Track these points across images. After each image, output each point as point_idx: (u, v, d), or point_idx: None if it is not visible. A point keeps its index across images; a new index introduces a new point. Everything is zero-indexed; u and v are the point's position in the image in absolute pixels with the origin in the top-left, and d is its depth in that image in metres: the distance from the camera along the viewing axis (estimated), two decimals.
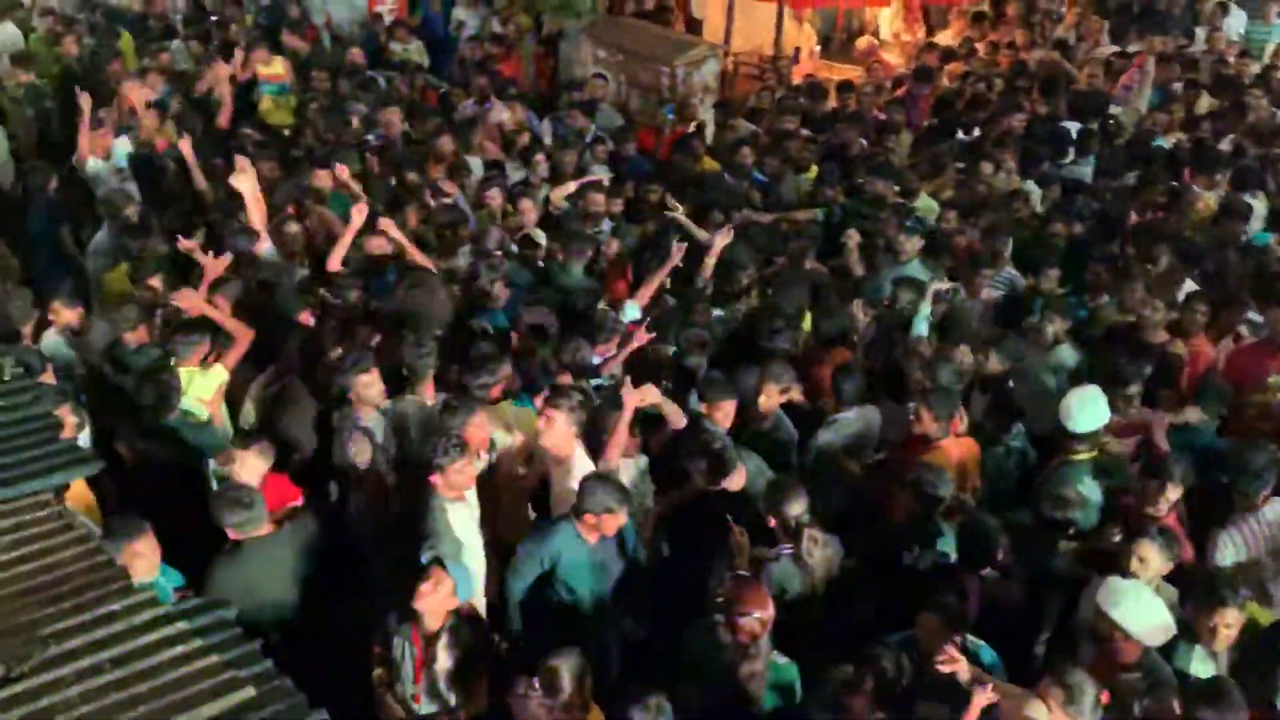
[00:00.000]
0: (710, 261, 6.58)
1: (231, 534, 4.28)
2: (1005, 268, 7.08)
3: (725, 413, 5.16)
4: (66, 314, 5.74)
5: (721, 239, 6.62)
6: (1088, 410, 5.08)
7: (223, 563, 4.26)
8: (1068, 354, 6.10)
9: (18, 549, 2.86)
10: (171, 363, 5.27)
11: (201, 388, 5.31)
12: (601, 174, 8.24)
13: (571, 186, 7.57)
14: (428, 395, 5.26)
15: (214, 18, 11.66)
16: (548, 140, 8.98)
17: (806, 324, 6.31)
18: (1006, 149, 8.64)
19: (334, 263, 6.22)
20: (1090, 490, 4.91)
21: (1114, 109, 9.90)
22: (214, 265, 5.96)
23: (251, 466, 4.58)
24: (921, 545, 4.61)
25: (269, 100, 9.24)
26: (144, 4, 11.52)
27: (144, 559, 3.93)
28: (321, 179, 7.29)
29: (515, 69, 11.26)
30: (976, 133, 9.33)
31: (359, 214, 6.31)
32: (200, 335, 5.32)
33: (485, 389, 5.11)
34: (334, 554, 4.68)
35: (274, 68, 9.42)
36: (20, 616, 2.62)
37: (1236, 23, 12.05)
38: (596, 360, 5.53)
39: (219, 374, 5.39)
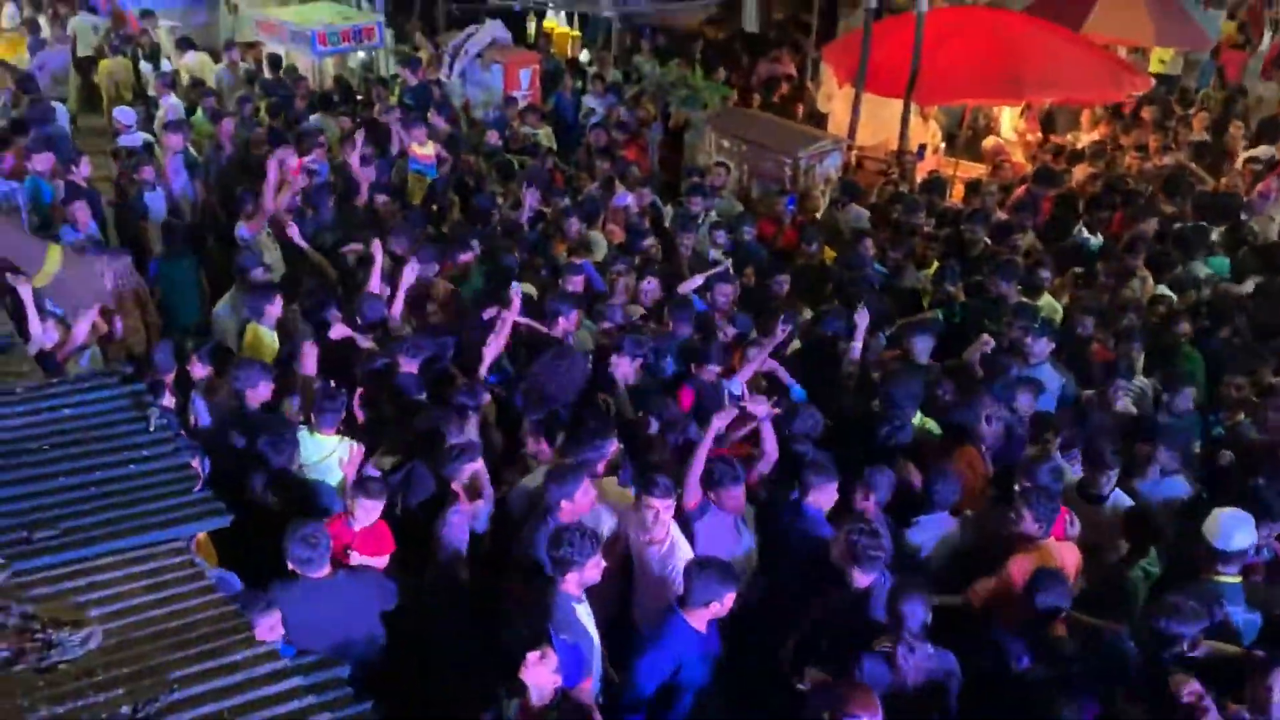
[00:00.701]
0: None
1: (291, 565, 4.49)
2: (1138, 377, 6.83)
3: (828, 496, 5.13)
4: (199, 370, 6.03)
5: (861, 320, 6.60)
6: (1242, 529, 4.81)
7: (276, 588, 4.42)
8: (1179, 487, 5.80)
9: (152, 594, 2.99)
10: (303, 426, 5.50)
11: (314, 449, 5.49)
12: (719, 258, 8.36)
13: (699, 280, 7.60)
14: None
15: (359, 97, 12.36)
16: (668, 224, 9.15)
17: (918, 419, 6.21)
18: (1139, 253, 8.44)
19: (490, 353, 6.18)
20: (1239, 615, 4.66)
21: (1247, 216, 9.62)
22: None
23: (368, 508, 4.81)
24: (1037, 658, 4.42)
25: (413, 178, 9.62)
26: (292, 82, 12.22)
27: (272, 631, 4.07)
28: (462, 259, 7.55)
29: (639, 156, 11.55)
30: (1096, 236, 9.16)
31: (517, 296, 6.45)
32: (339, 402, 5.53)
33: (592, 463, 5.15)
34: (394, 616, 4.79)
35: (427, 149, 9.84)
36: (150, 659, 2.73)
37: None
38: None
39: (340, 443, 5.57)
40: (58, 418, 3.74)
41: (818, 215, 9.73)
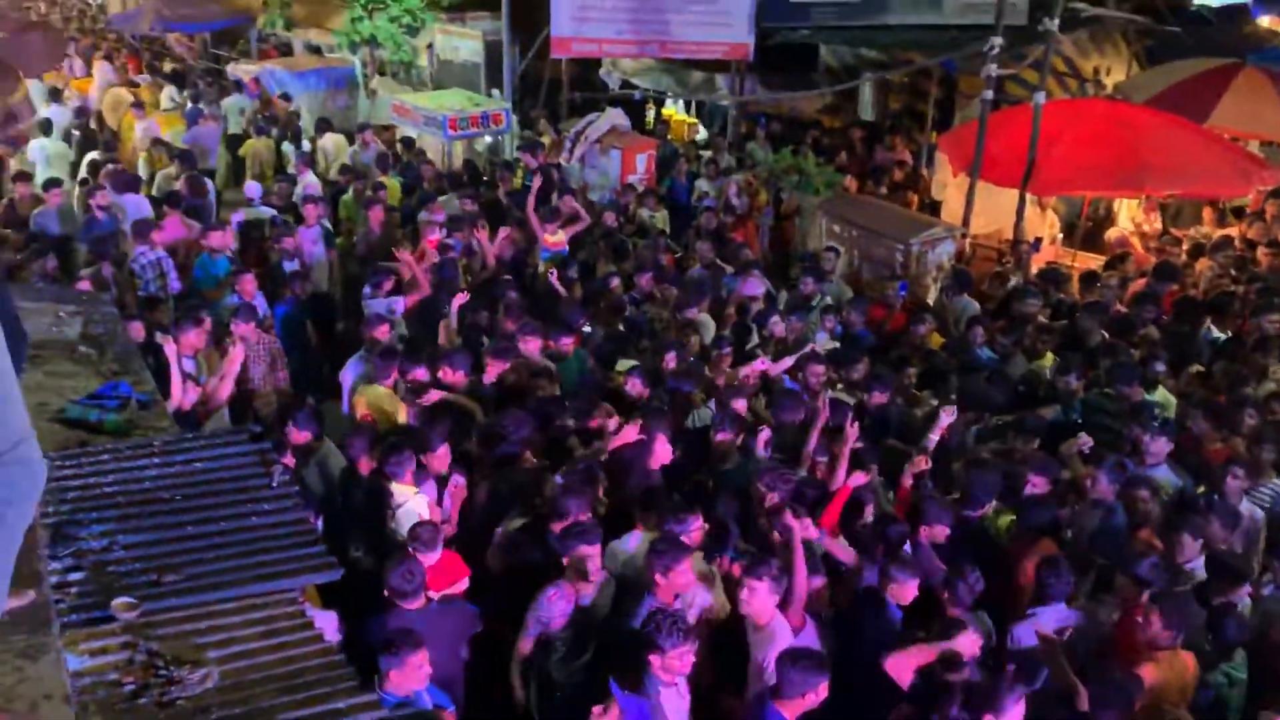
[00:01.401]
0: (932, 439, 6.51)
1: (389, 595, 4.80)
2: (1271, 479, 6.55)
3: (909, 591, 5.09)
4: (298, 435, 6.28)
5: (946, 417, 6.55)
6: None
7: (374, 622, 4.71)
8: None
9: (265, 639, 3.16)
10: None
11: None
12: (826, 343, 8.40)
13: (788, 361, 7.70)
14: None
15: (485, 178, 12.91)
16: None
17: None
18: (1271, 351, 8.15)
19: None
20: None
21: None
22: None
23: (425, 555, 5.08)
24: None
25: (545, 265, 9.95)
26: (420, 163, 12.85)
27: (412, 674, 4.23)
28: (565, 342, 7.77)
29: (750, 238, 11.72)
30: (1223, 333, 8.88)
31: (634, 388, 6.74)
32: (408, 455, 5.74)
33: (684, 535, 5.20)
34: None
35: (558, 237, 10.20)
36: (260, 700, 2.89)
37: None
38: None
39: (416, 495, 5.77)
40: (190, 470, 4.02)
41: (929, 301, 9.69)
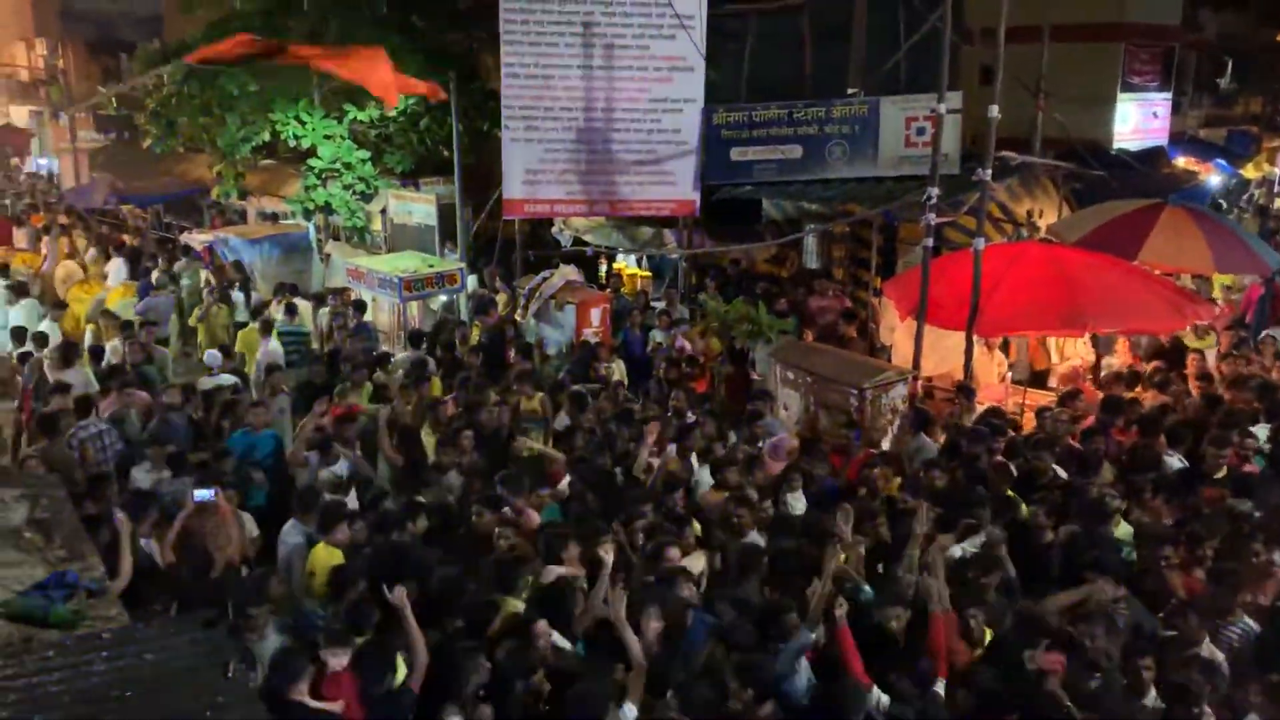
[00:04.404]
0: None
1: None
2: (1240, 619, 6.52)
3: None
4: None
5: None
6: None
7: None
8: None
9: None
10: None
11: None
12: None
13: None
14: None
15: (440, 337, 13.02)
16: None
17: None
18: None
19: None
20: None
21: None
22: None
23: None
24: None
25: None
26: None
27: None
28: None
29: (706, 387, 11.85)
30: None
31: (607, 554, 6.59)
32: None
33: None
34: None
35: (533, 404, 10.24)
36: None
37: None
38: None
39: None
40: (140, 664, 3.84)
41: (884, 445, 9.78)
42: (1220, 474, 8.65)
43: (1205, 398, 10.45)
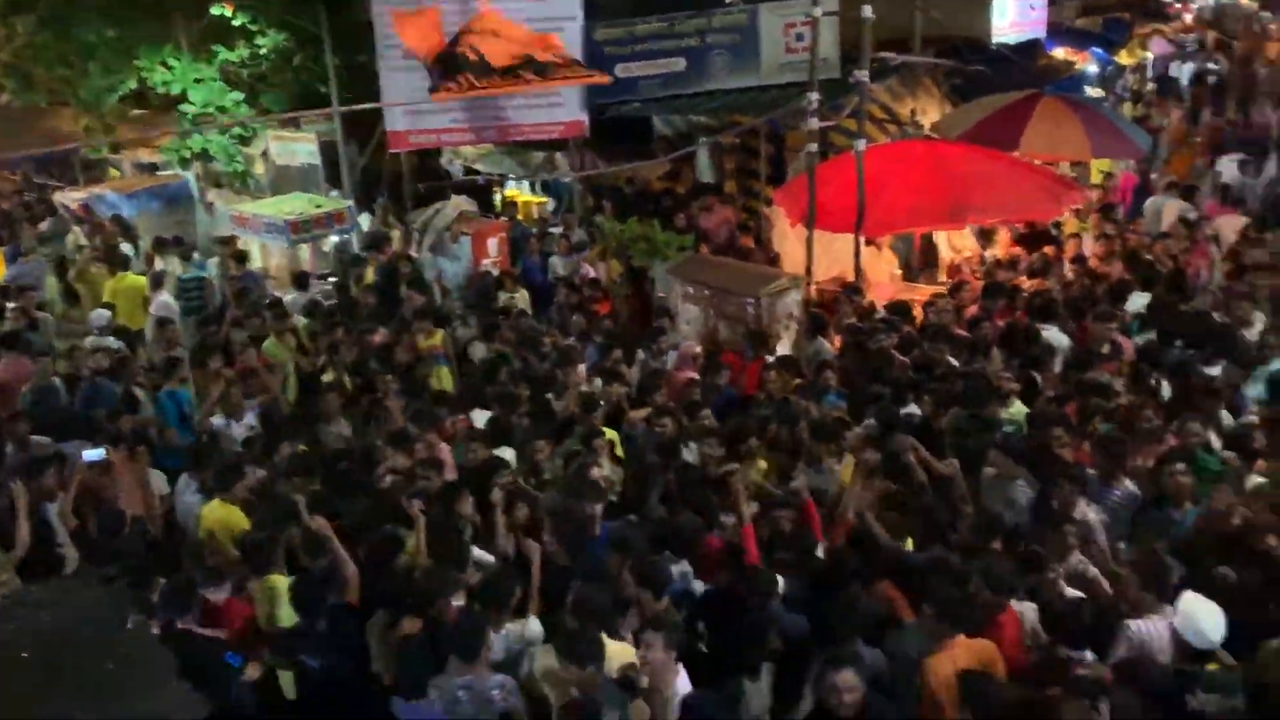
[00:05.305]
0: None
1: None
2: (1125, 483, 6.88)
3: None
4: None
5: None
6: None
7: None
8: None
9: None
10: None
11: None
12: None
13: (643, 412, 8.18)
14: None
15: (334, 279, 12.79)
16: None
17: None
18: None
19: None
20: None
21: None
22: None
23: None
24: None
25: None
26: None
27: None
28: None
29: (609, 309, 11.92)
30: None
31: None
32: None
33: None
34: None
35: (434, 339, 10.16)
36: None
37: None
38: None
39: None
40: (38, 624, 3.81)
41: (782, 350, 10.02)
42: (1105, 349, 9.05)
43: (1085, 275, 10.90)
